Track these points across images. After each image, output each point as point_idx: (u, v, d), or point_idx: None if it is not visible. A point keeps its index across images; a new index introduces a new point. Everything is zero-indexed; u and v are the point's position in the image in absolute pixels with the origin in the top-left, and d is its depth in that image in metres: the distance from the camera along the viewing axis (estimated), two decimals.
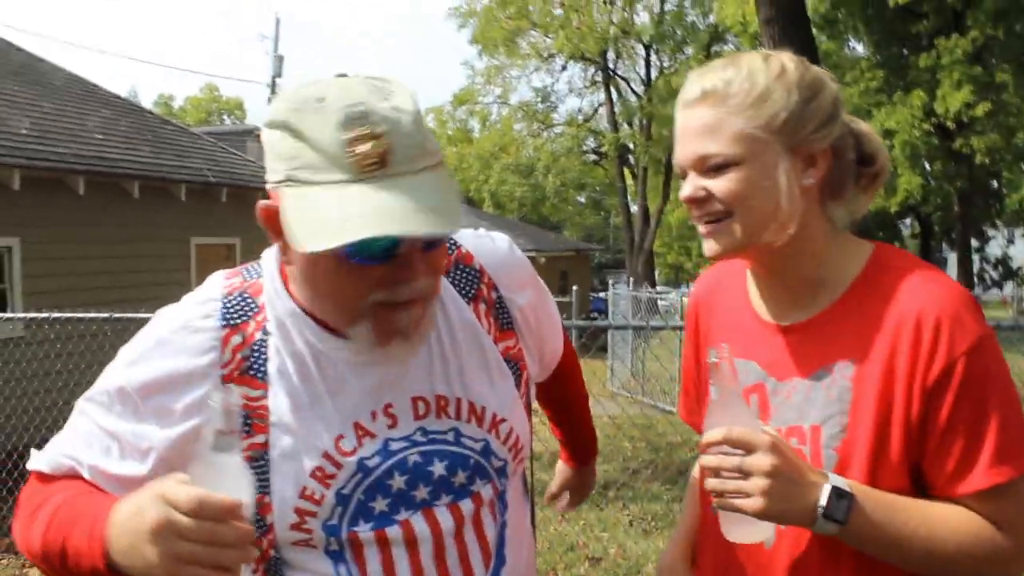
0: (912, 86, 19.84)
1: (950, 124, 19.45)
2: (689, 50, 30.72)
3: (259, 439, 1.24)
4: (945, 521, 1.28)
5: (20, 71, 11.78)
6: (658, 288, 24.46)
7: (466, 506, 1.32)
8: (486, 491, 1.35)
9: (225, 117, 65.89)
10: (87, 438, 1.29)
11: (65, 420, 1.33)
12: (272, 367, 1.26)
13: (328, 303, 1.23)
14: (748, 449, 1.22)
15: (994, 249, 31.02)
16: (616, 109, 31.92)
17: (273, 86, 26.09)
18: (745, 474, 1.22)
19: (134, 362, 1.28)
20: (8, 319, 6.64)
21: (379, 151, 1.11)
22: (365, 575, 1.27)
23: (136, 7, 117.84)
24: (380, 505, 1.27)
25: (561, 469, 1.95)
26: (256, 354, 1.27)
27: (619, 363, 13.49)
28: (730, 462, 1.22)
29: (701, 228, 1.37)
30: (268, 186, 1.19)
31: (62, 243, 9.74)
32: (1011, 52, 19.98)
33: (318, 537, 1.26)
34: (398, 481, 1.28)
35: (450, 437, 1.32)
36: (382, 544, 1.27)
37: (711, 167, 1.33)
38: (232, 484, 1.06)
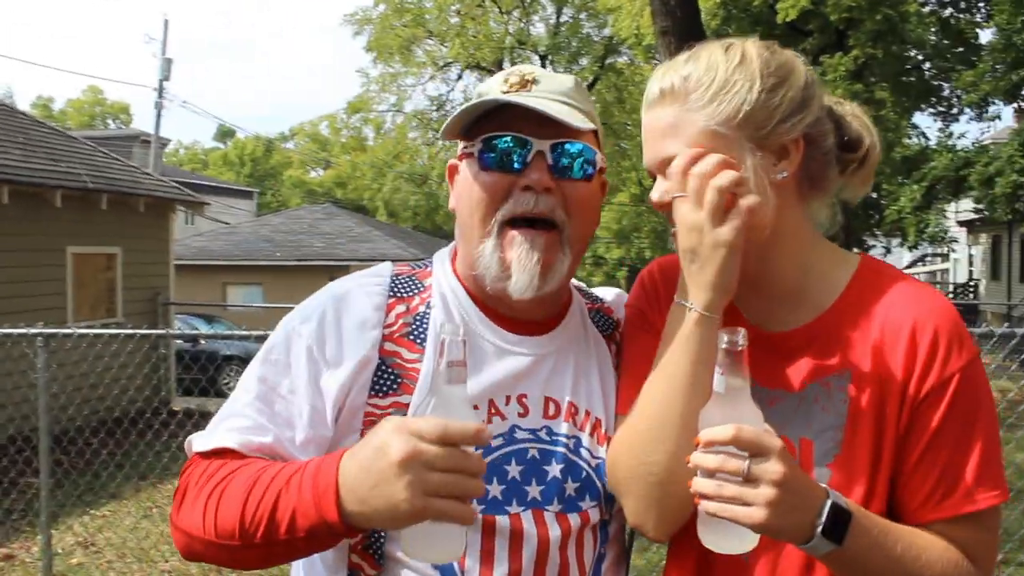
0: None
1: None
2: (584, 61, 31.06)
3: (404, 399, 1.32)
4: (928, 549, 1.23)
5: None
6: None
7: (574, 520, 1.35)
8: (593, 512, 1.38)
9: (110, 121, 63.56)
10: (264, 408, 1.32)
11: None
12: (430, 335, 1.36)
13: (468, 223, 1.38)
14: (758, 453, 1.10)
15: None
16: None
17: (161, 90, 25.14)
18: (751, 480, 1.09)
19: (307, 319, 1.37)
20: None
21: (525, 80, 1.36)
22: (462, 560, 1.28)
23: (14, 3, 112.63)
24: (495, 490, 1.32)
25: None
26: (418, 322, 1.38)
27: None
28: (735, 465, 1.09)
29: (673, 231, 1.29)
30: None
31: None
32: (889, 71, 20.84)
33: None
34: (514, 469, 1.34)
35: (571, 444, 1.38)
36: (488, 531, 1.30)
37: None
38: (463, 414, 1.10)
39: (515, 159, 1.33)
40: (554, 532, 1.33)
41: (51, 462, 5.27)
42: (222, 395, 14.60)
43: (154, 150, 24.13)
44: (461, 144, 1.42)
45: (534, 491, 1.34)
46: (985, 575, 1.25)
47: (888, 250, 31.95)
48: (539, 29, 31.29)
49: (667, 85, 1.29)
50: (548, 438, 1.37)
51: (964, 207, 28.36)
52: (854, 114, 1.39)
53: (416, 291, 1.42)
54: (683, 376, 1.25)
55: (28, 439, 6.94)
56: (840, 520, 1.15)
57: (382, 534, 1.30)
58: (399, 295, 1.40)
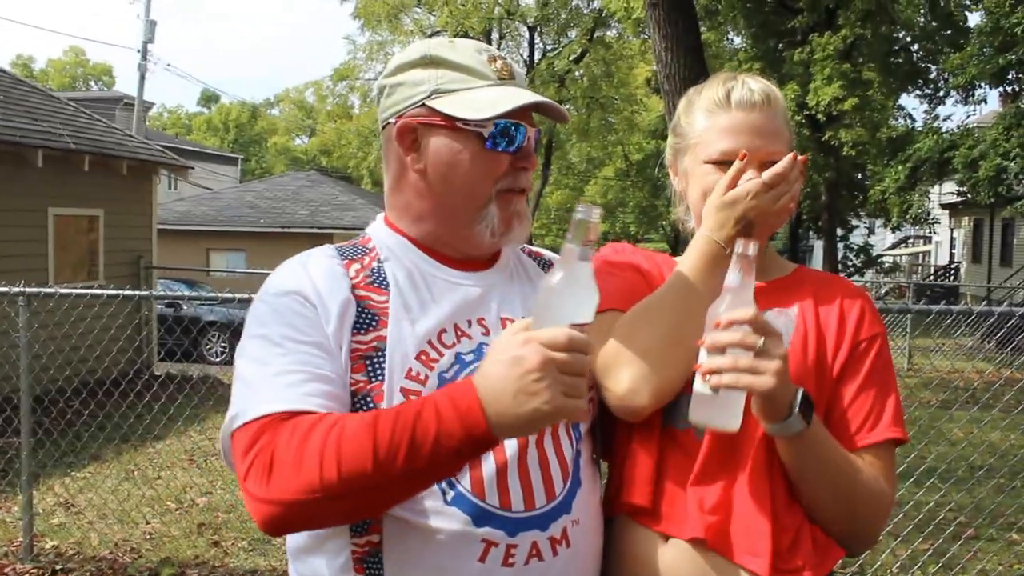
0: (786, 79, 20.46)
1: (821, 117, 20.16)
2: (573, 34, 30.89)
3: (383, 332, 1.44)
4: (859, 460, 1.52)
5: None
6: None
7: None
8: None
9: (92, 83, 62.80)
10: (295, 356, 1.37)
11: None
12: (391, 279, 1.50)
13: (460, 194, 1.51)
14: (767, 334, 1.35)
15: (856, 238, 32.46)
16: None
17: (145, 52, 24.80)
18: (762, 354, 1.34)
19: (282, 283, 1.47)
20: None
21: (508, 67, 1.53)
22: None
23: None
24: None
25: None
26: (376, 272, 1.51)
27: None
28: (752, 339, 1.34)
29: None
30: (395, 111, 1.53)
31: None
32: (877, 52, 20.85)
33: None
34: None
35: None
36: None
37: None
38: (584, 293, 1.25)
39: (519, 143, 1.51)
40: None
41: (32, 423, 5.26)
42: (204, 360, 14.64)
43: (137, 113, 23.89)
44: (431, 110, 1.49)
45: None
46: (893, 496, 1.56)
47: (871, 230, 32.13)
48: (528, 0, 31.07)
49: (768, 92, 1.60)
50: None
51: (947, 190, 28.50)
52: None
53: (363, 253, 1.55)
54: (715, 284, 1.49)
55: (9, 399, 6.92)
56: (809, 404, 1.43)
57: None
58: (350, 258, 1.53)
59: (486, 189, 1.50)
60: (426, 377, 1.43)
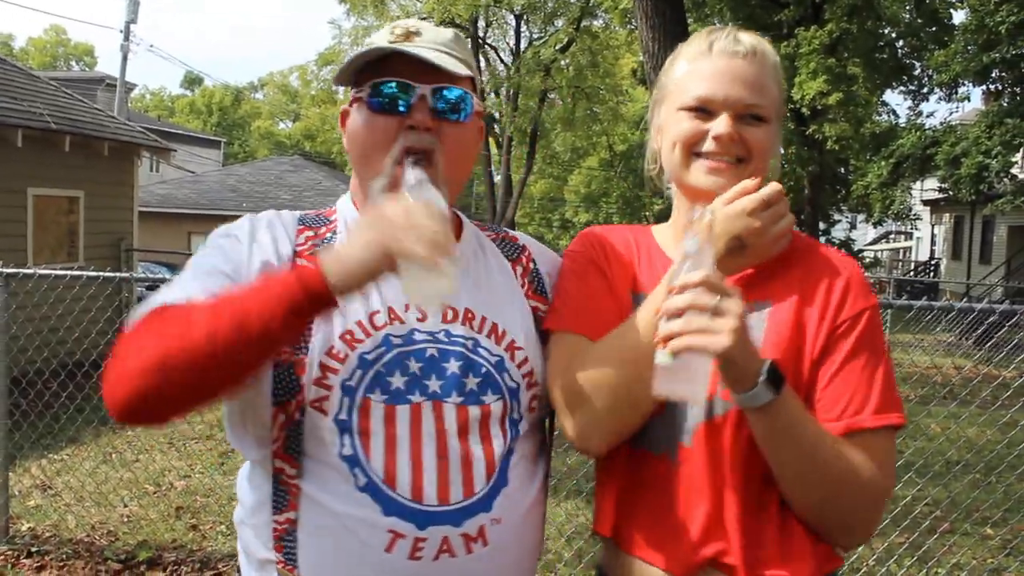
0: None
1: (805, 111, 20.21)
2: (559, 23, 30.81)
3: None
4: (840, 440, 1.41)
5: None
6: None
7: (473, 411, 1.45)
8: (496, 406, 1.48)
9: (73, 63, 62.16)
10: (204, 277, 1.41)
11: None
12: None
13: (361, 164, 1.51)
14: (722, 294, 1.27)
15: (838, 232, 32.63)
16: (484, 78, 31.72)
17: (127, 32, 24.55)
18: (718, 314, 1.26)
19: (232, 228, 1.52)
20: None
21: (408, 32, 1.49)
22: (367, 449, 1.40)
23: None
24: (397, 381, 1.42)
25: None
26: (325, 243, 1.53)
27: None
28: (706, 300, 1.26)
29: (711, 163, 1.48)
30: (345, 103, 1.57)
31: None
32: (862, 47, 20.92)
33: (335, 397, 1.40)
34: (414, 365, 1.44)
35: (469, 344, 1.49)
36: (390, 419, 1.40)
37: (750, 116, 1.47)
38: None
39: (400, 102, 1.46)
40: (450, 420, 1.43)
41: (8, 404, 5.21)
42: None
43: (119, 94, 23.67)
44: (352, 91, 1.54)
45: (434, 385, 1.45)
46: (888, 484, 1.44)
47: (853, 225, 32.28)
48: None
49: (757, 45, 1.50)
50: (446, 339, 1.48)
51: (929, 186, 28.69)
52: None
53: (323, 223, 1.58)
54: None
55: None
56: (778, 375, 1.34)
57: (300, 434, 1.41)
58: (307, 225, 1.57)
59: (377, 154, 1.46)
60: (346, 356, 1.42)
